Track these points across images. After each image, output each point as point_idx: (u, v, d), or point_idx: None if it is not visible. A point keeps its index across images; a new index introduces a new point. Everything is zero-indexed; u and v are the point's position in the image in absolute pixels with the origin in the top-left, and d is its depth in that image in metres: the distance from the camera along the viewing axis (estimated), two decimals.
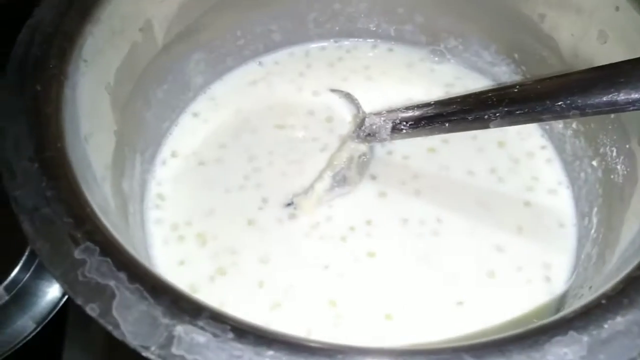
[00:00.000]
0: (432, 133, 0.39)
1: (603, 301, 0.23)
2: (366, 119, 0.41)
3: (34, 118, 0.28)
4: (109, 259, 0.24)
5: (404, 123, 0.39)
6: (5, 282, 0.48)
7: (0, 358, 0.45)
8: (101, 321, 0.22)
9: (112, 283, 0.23)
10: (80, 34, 0.33)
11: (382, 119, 0.40)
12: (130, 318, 0.22)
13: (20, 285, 0.49)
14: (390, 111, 0.40)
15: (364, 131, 0.41)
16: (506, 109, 0.32)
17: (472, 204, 0.41)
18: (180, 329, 0.22)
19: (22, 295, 0.50)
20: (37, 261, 0.50)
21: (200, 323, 0.22)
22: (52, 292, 0.50)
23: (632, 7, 0.34)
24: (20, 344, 0.47)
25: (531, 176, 0.42)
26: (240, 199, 0.40)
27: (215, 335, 0.22)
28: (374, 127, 0.40)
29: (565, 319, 0.23)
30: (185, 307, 0.23)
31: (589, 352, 0.22)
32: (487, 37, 0.45)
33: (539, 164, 0.43)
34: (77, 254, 0.24)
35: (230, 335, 0.22)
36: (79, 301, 0.23)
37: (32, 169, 0.26)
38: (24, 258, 0.49)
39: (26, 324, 0.49)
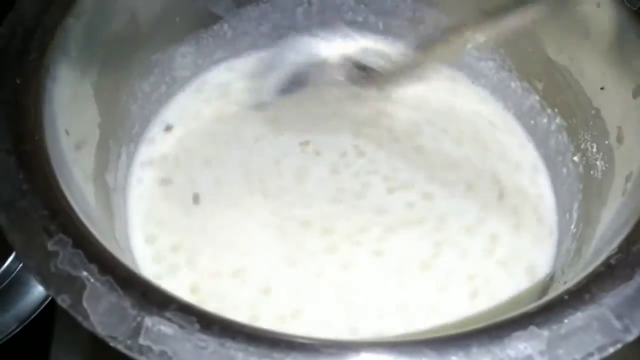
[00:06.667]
0: None
1: (565, 297, 0.23)
2: None
3: (12, 110, 0.29)
4: (80, 251, 0.24)
5: None
6: None
7: None
8: (71, 312, 0.23)
9: (83, 274, 0.24)
10: (62, 27, 0.33)
11: None
12: (99, 309, 0.23)
13: (8, 279, 0.50)
14: None
15: None
16: None
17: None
18: (148, 320, 0.23)
19: (9, 290, 0.50)
20: None
21: (168, 314, 0.23)
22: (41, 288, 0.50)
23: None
24: (4, 340, 0.47)
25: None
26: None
27: (181, 326, 0.22)
28: None
29: (527, 314, 0.23)
30: (154, 299, 0.23)
31: (548, 346, 0.22)
32: None
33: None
34: (50, 245, 0.24)
35: (196, 326, 0.22)
36: (51, 292, 0.23)
37: (8, 162, 0.27)
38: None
39: (10, 320, 0.49)
